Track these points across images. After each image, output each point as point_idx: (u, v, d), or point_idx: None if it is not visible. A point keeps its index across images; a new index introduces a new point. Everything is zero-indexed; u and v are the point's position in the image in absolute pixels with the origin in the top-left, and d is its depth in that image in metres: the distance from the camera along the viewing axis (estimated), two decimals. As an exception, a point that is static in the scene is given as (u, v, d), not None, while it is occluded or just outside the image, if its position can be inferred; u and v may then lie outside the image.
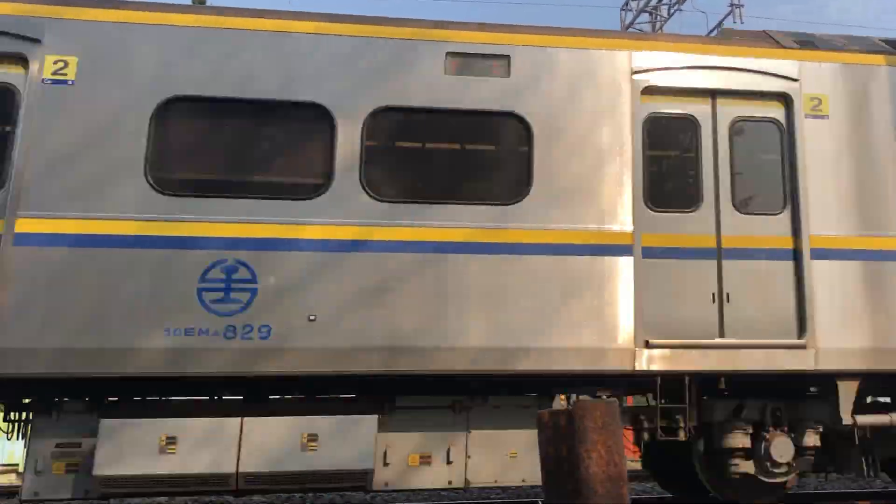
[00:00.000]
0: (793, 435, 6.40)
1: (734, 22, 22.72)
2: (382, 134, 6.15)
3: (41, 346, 5.30)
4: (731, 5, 22.77)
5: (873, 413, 6.45)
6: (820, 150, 6.56)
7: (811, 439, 6.40)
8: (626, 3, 24.54)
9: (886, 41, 7.31)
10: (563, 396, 6.63)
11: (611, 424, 3.99)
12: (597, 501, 3.88)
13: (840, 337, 6.25)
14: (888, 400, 6.88)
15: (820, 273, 6.31)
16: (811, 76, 6.71)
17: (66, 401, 5.67)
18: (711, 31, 23.52)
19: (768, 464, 6.34)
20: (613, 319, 5.98)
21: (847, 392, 6.29)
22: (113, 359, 5.36)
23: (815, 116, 6.63)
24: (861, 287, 6.34)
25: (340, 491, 6.26)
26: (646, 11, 24.13)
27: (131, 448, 5.37)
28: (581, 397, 6.11)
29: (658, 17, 23.87)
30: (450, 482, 5.88)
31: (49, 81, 5.70)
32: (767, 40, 6.98)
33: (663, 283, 6.18)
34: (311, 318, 5.62)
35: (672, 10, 23.69)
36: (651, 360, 6.02)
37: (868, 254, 6.40)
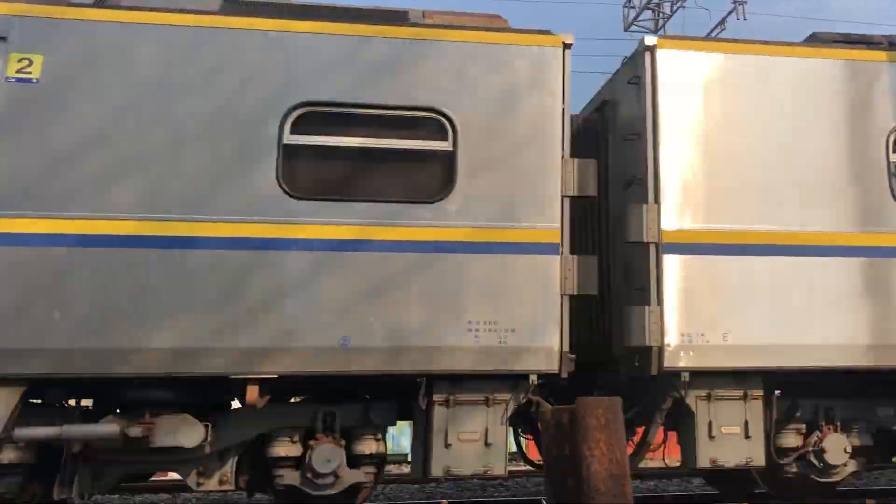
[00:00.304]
0: None
1: (738, 19, 22.71)
2: None
3: None
4: (734, 2, 22.75)
5: (40, 427, 5.41)
6: (7, 115, 5.58)
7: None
8: (629, 1, 24.49)
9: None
10: None
11: (613, 423, 4.00)
12: (599, 499, 3.89)
13: None
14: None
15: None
16: (26, 32, 5.69)
17: None
18: (713, 29, 23.52)
19: None
20: None
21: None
22: None
23: (21, 80, 5.66)
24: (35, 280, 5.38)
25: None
26: (648, 9, 24.08)
27: None
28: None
29: (661, 15, 23.83)
30: None
31: None
32: None
33: None
34: None
35: (675, 8, 23.65)
36: None
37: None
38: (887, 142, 6.58)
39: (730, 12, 22.88)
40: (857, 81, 6.68)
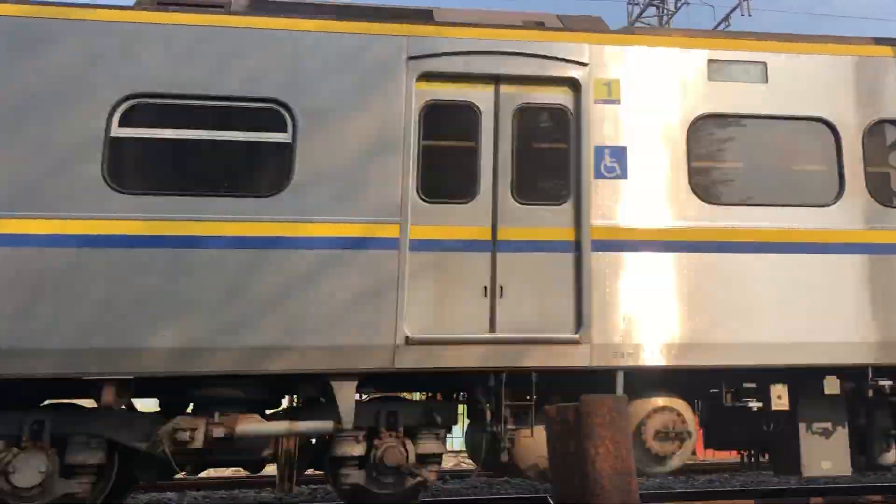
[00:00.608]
0: None
1: (742, 15, 22.59)
2: None
3: None
4: (739, -3, 22.62)
5: None
6: None
7: None
8: (633, -3, 24.43)
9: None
10: None
11: (618, 420, 4.00)
12: (605, 496, 3.89)
13: None
14: None
15: None
16: None
17: None
18: (718, 24, 23.44)
19: None
20: None
21: None
22: None
23: None
24: None
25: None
26: (653, 5, 24.00)
27: None
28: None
29: (665, 11, 23.76)
30: None
31: None
32: None
33: None
34: None
35: (679, 4, 23.56)
36: None
37: None
38: (110, 116, 5.76)
39: (734, 8, 22.72)
40: (79, 46, 5.81)
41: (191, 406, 5.95)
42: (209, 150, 5.88)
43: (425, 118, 6.15)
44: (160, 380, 5.66)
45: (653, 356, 6.02)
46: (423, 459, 6.00)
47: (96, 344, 5.43)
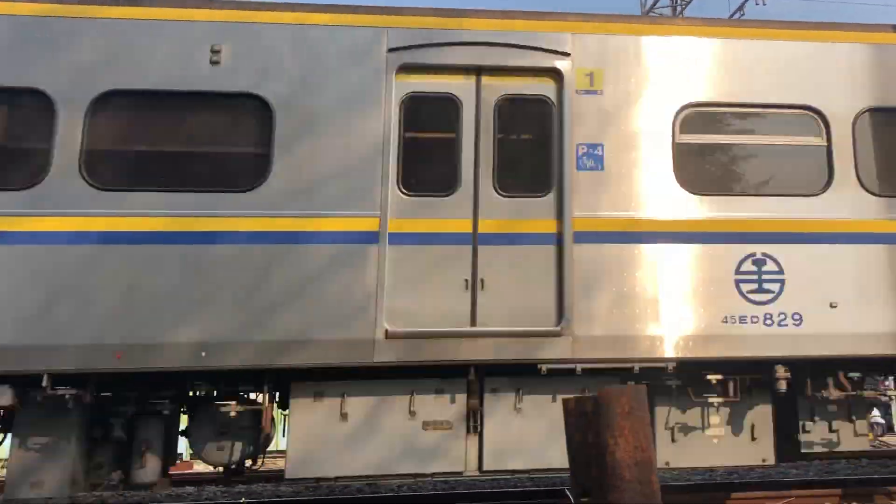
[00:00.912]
0: None
1: (756, 4, 22.36)
2: None
3: None
4: (753, -12, 22.39)
5: None
6: None
7: None
8: (647, -12, 24.26)
9: None
10: None
11: (637, 410, 3.96)
12: (624, 487, 3.86)
13: None
14: None
15: None
16: None
17: None
18: (733, 13, 23.23)
19: None
20: None
21: None
22: None
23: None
24: None
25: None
26: (666, -5, 23.85)
27: None
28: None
29: (679, 1, 23.57)
30: None
31: None
32: None
33: None
34: None
35: (693, -7, 23.39)
36: None
37: None
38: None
39: (748, -2, 22.54)
40: None
41: None
42: None
43: None
44: None
45: None
46: None
47: None
